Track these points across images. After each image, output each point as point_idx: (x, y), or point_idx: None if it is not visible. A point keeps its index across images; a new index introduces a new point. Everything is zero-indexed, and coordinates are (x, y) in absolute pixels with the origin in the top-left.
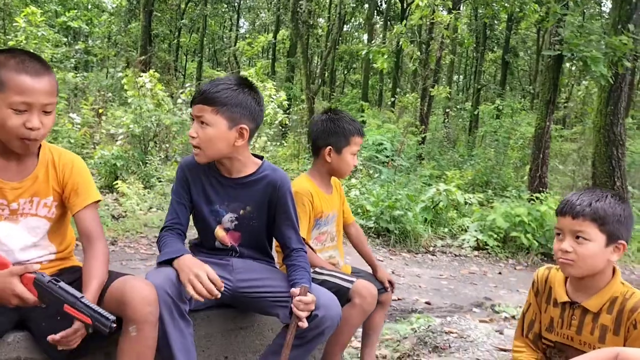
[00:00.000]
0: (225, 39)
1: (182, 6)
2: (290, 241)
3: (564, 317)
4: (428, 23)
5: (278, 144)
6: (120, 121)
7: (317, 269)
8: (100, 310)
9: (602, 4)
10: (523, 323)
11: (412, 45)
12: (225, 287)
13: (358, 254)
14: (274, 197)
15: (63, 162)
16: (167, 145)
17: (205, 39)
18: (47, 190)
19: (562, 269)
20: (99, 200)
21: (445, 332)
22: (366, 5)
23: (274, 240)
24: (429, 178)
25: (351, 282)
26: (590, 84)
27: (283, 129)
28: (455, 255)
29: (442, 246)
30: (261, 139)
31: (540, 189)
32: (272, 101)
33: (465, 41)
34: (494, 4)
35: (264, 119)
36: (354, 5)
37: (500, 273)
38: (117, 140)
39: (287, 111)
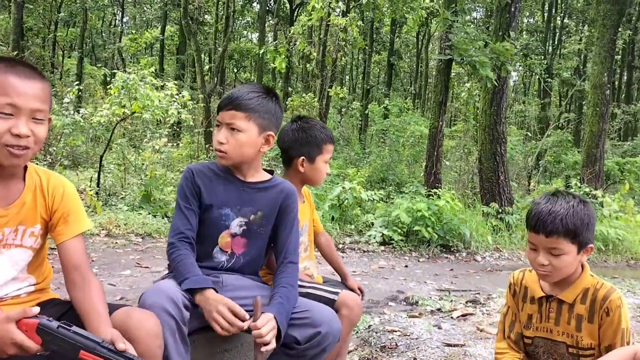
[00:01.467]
0: (104, 34)
1: None
2: (289, 250)
3: (542, 311)
4: (324, 25)
5: (172, 144)
6: None
7: (299, 283)
8: (126, 354)
9: (478, 11)
10: (504, 326)
11: (310, 46)
12: None
13: (328, 263)
14: (284, 205)
15: (53, 186)
16: (54, 149)
17: (84, 33)
18: (34, 218)
19: (541, 278)
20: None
21: (388, 331)
22: (255, 4)
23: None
24: (333, 177)
25: (336, 293)
26: (473, 86)
27: (177, 129)
28: (364, 251)
29: (351, 243)
30: (161, 140)
31: (436, 184)
32: (174, 101)
33: (358, 43)
34: (383, 8)
35: (167, 119)
36: (243, 3)
37: (406, 266)
38: None
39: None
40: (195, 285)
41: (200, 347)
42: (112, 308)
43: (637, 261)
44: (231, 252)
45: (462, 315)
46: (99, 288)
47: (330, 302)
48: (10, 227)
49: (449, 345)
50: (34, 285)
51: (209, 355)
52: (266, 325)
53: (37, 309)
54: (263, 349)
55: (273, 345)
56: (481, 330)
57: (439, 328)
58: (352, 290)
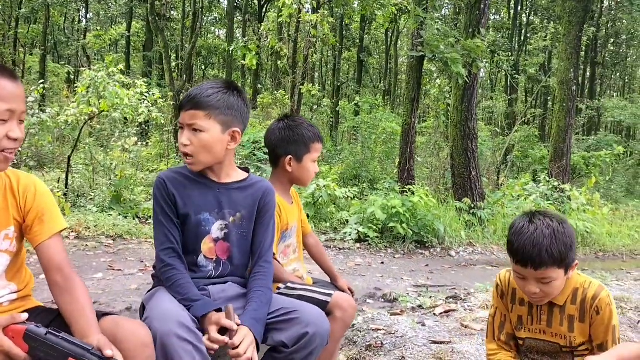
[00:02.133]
0: (67, 31)
1: None
2: (264, 249)
3: (533, 313)
4: (295, 21)
5: (141, 143)
6: None
7: (289, 284)
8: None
9: (446, 8)
10: (493, 327)
11: (281, 42)
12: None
13: (317, 264)
14: (262, 204)
15: (23, 186)
16: (19, 150)
17: (47, 30)
18: (7, 220)
19: (532, 302)
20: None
21: (373, 330)
22: (223, 0)
23: None
24: None
25: (329, 295)
26: (443, 82)
27: (145, 128)
28: (340, 249)
29: (327, 241)
30: (131, 139)
31: (410, 181)
32: (144, 99)
33: (330, 40)
34: (354, 5)
35: (139, 117)
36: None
37: (382, 263)
38: None
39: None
40: (204, 311)
41: None
42: (98, 315)
43: (606, 253)
44: (216, 258)
45: (445, 312)
46: (84, 290)
47: (323, 304)
48: None
49: (435, 342)
50: (15, 292)
51: None
52: (243, 343)
53: (26, 315)
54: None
55: (255, 357)
56: (466, 327)
57: (423, 325)
58: (342, 291)
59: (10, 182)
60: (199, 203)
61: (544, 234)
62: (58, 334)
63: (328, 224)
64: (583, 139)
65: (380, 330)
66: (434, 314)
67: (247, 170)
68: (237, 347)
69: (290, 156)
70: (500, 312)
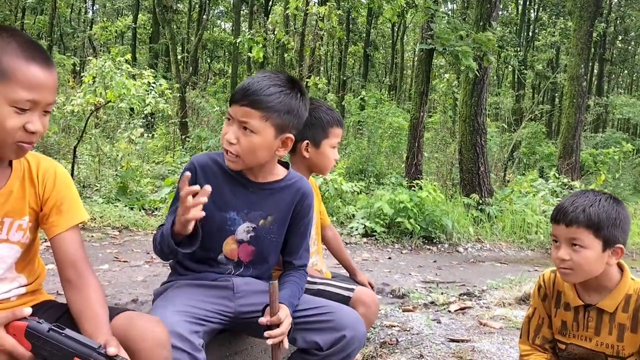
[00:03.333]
0: (73, 22)
1: None
2: (298, 256)
3: (579, 319)
4: (302, 14)
5: (147, 135)
6: None
7: (308, 278)
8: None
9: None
10: (529, 328)
11: (288, 35)
12: (225, 315)
13: (335, 258)
14: (298, 207)
15: (43, 171)
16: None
17: (53, 21)
18: (22, 209)
19: (562, 277)
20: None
21: (386, 326)
22: None
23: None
24: None
25: (351, 290)
26: (451, 77)
27: (151, 120)
28: (347, 244)
29: None
30: (137, 131)
31: (417, 175)
32: (151, 89)
33: (337, 32)
34: None
35: (145, 108)
36: None
37: (390, 258)
38: None
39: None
40: (167, 232)
41: (209, 351)
42: (111, 312)
43: None
44: (238, 260)
45: (460, 309)
46: (97, 287)
47: (345, 300)
48: None
49: (453, 340)
50: (24, 286)
51: (218, 358)
52: (285, 322)
53: (29, 310)
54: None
55: (286, 344)
56: (484, 325)
57: (439, 322)
58: (362, 285)
59: (30, 166)
60: (228, 199)
61: (588, 197)
62: (61, 331)
63: (334, 218)
64: (591, 136)
65: (394, 326)
66: (449, 311)
67: (286, 165)
68: (277, 324)
69: (307, 141)
70: (538, 314)
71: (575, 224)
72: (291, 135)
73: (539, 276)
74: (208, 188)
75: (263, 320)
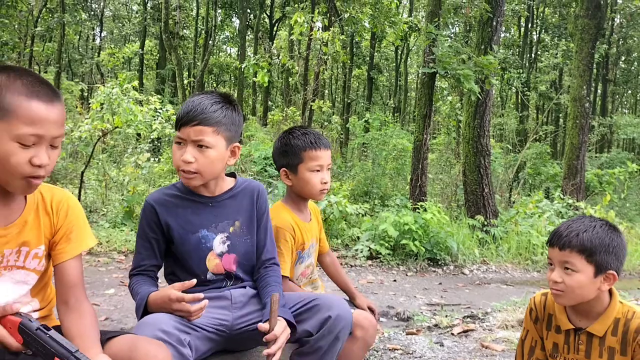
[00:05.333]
0: (81, 49)
1: (35, 13)
2: (265, 250)
3: (570, 342)
4: (307, 39)
5: (154, 159)
6: None
7: None
8: None
9: (457, 25)
10: (522, 350)
11: (292, 60)
12: (221, 324)
13: (334, 282)
14: (257, 204)
15: (57, 203)
16: None
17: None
18: (38, 239)
19: (554, 298)
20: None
21: (389, 349)
22: (234, 19)
23: None
24: None
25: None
26: (454, 99)
27: (157, 144)
28: (351, 266)
29: (338, 257)
30: (144, 155)
31: (421, 197)
32: (158, 115)
33: (341, 57)
34: (364, 23)
35: (152, 133)
36: (222, 18)
37: (395, 280)
38: None
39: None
40: (141, 304)
41: None
42: (111, 335)
43: (622, 272)
44: (226, 273)
45: (464, 332)
46: (92, 312)
47: None
48: (11, 248)
49: None
50: (37, 310)
51: None
52: (282, 335)
53: (19, 306)
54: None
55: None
56: (486, 347)
57: (441, 345)
58: (362, 309)
59: (43, 198)
60: (195, 221)
61: (584, 223)
62: (47, 332)
63: (339, 241)
64: (596, 157)
65: (397, 349)
66: (452, 334)
67: (233, 175)
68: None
69: (283, 169)
70: (531, 336)
71: (568, 247)
72: (238, 144)
73: (530, 299)
74: (193, 281)
75: (262, 326)
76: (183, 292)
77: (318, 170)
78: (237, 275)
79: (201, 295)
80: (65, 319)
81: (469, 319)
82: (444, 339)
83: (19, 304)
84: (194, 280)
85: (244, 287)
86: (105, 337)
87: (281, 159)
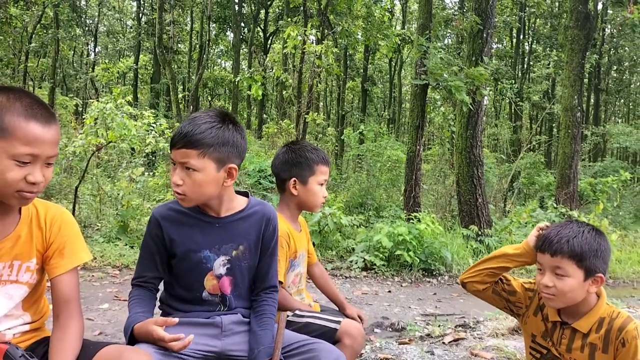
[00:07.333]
0: (75, 64)
1: (29, 29)
2: (268, 277)
3: (554, 335)
4: (300, 52)
5: (148, 173)
6: None
7: (297, 312)
8: None
9: (449, 37)
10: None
11: (286, 73)
12: (209, 352)
13: (323, 293)
14: (266, 231)
15: (50, 218)
16: None
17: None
18: (30, 252)
19: (545, 302)
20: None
21: (381, 359)
22: (228, 33)
23: None
24: None
25: (337, 322)
26: (447, 110)
27: (152, 158)
28: (346, 277)
29: (333, 269)
30: (138, 170)
31: (415, 208)
32: (152, 130)
33: (334, 70)
34: (357, 35)
35: (146, 147)
36: (216, 32)
37: (389, 291)
38: None
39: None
40: (127, 332)
41: None
42: (99, 346)
43: (616, 280)
44: (221, 294)
45: (454, 340)
46: (76, 330)
47: (331, 331)
48: (4, 262)
49: None
50: (28, 323)
51: None
52: None
53: (10, 335)
54: None
55: None
56: (475, 355)
57: (432, 354)
58: (352, 319)
59: (37, 213)
60: (199, 240)
61: (573, 229)
62: (30, 359)
63: (334, 252)
64: (589, 165)
65: (389, 359)
66: (443, 343)
67: (246, 194)
68: None
69: (294, 179)
70: (510, 281)
71: (560, 254)
72: (234, 165)
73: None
74: (175, 320)
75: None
76: (178, 314)
77: (322, 184)
78: (231, 299)
79: (182, 335)
80: (53, 335)
81: (460, 328)
82: (434, 348)
83: (10, 334)
84: (176, 319)
85: (236, 313)
86: (95, 349)
87: (293, 169)
